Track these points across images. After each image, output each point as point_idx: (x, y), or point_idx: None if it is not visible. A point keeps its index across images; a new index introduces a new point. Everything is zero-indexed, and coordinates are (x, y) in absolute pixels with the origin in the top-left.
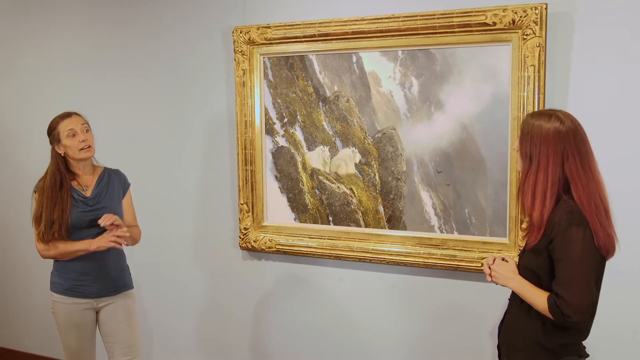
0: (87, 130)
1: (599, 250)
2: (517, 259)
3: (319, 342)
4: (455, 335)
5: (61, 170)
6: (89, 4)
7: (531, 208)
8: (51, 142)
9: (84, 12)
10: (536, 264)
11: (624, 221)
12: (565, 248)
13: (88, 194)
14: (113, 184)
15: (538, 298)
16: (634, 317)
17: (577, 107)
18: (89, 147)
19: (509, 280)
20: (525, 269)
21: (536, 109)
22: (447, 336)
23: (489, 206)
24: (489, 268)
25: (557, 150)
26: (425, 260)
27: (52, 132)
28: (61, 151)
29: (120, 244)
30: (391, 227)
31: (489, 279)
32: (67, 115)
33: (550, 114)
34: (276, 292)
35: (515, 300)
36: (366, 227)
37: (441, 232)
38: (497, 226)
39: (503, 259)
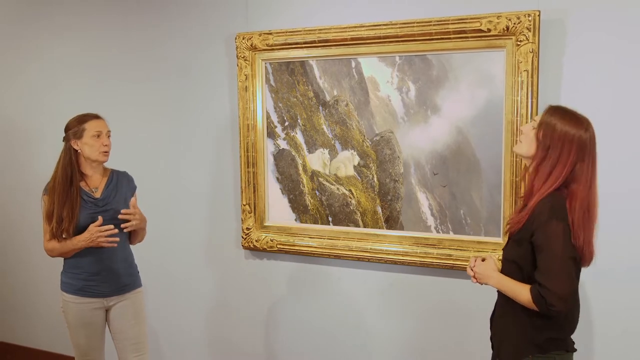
0: (109, 137)
1: (577, 250)
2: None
3: (319, 338)
4: (451, 332)
5: (73, 165)
6: (94, 10)
7: (532, 193)
8: (68, 137)
9: (90, 19)
10: (518, 254)
11: (619, 221)
12: (547, 239)
13: (97, 195)
14: (121, 185)
15: (520, 291)
16: (626, 315)
17: None
18: (108, 152)
19: (489, 278)
20: (508, 261)
21: (529, 113)
22: (444, 332)
23: (483, 207)
24: (472, 270)
25: (573, 160)
26: (422, 260)
27: (76, 127)
28: (78, 147)
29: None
30: (389, 227)
31: (473, 280)
32: (97, 117)
33: (578, 118)
34: (277, 290)
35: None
36: (365, 227)
37: (437, 232)
38: (492, 226)
39: (483, 260)
